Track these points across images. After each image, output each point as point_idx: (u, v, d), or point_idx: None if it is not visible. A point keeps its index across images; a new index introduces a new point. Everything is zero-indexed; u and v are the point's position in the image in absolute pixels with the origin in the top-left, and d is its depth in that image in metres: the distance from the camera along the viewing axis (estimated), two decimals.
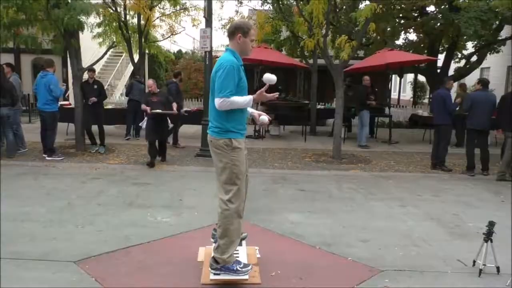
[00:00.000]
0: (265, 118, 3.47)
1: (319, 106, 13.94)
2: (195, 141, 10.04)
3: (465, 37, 12.44)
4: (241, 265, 3.28)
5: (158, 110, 7.43)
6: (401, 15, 13.75)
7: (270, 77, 3.24)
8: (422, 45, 14.47)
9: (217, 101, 3.09)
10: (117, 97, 17.44)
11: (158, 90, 7.76)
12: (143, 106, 7.58)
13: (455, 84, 11.94)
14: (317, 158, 8.70)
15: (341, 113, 8.64)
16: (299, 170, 7.64)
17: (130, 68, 17.08)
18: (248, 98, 3.15)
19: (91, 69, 8.67)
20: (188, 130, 12.44)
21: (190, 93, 20.40)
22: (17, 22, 8.16)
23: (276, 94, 3.36)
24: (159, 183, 6.52)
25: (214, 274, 3.26)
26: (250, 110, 3.47)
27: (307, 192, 6.19)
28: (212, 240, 3.61)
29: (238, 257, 3.39)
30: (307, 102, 13.01)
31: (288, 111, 11.83)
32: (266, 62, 11.45)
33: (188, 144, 9.97)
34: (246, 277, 3.24)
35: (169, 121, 7.90)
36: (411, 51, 13.68)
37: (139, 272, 3.52)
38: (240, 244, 3.52)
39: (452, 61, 14.91)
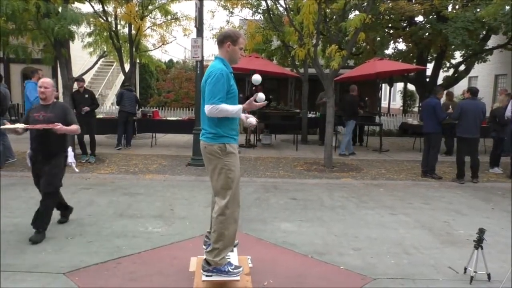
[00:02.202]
0: (252, 120, 3.52)
1: (310, 115, 14.01)
2: (187, 150, 10.02)
3: (453, 47, 12.65)
4: (233, 267, 3.29)
5: (17, 125, 4.37)
6: (390, 25, 13.95)
7: (256, 78, 3.52)
8: (411, 55, 14.68)
9: (207, 107, 3.13)
10: (107, 107, 17.37)
11: (55, 100, 4.64)
12: (16, 126, 4.35)
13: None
14: (309, 166, 8.71)
15: (332, 122, 8.69)
16: (291, 178, 7.64)
17: (121, 77, 17.06)
18: (238, 107, 3.19)
19: (80, 79, 8.63)
20: (180, 139, 12.43)
21: (182, 102, 20.39)
22: (6, 32, 8.12)
23: (264, 103, 3.45)
24: (150, 193, 6.47)
25: (206, 276, 3.27)
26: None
27: (299, 201, 6.19)
28: (204, 247, 3.59)
29: (229, 259, 3.39)
30: (298, 111, 13.08)
31: (280, 120, 11.87)
32: (258, 71, 11.51)
33: (180, 153, 9.94)
34: (238, 278, 3.25)
35: (69, 154, 4.62)
36: (400, 60, 13.86)
37: (130, 284, 3.48)
38: (231, 251, 3.51)
39: (441, 70, 15.13)
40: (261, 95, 3.49)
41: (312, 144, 12.36)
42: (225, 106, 3.12)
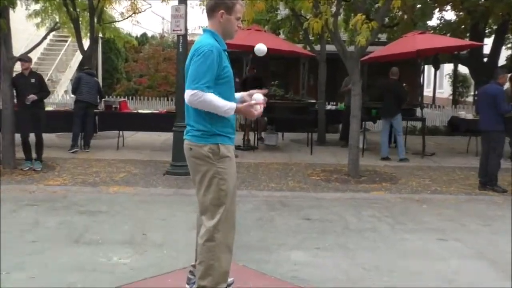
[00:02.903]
0: (260, 96, 3.38)
1: (329, 107, 13.97)
2: (165, 154, 10.00)
3: None
4: None
5: None
6: None
7: (260, 48, 3.46)
8: (462, 27, 14.65)
9: (188, 94, 3.11)
10: (59, 96, 17.37)
11: None
12: None
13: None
14: (328, 175, 8.70)
15: (359, 116, 8.67)
16: (304, 192, 7.63)
17: (78, 57, 17.06)
18: (229, 105, 3.15)
19: (24, 59, 8.59)
20: (156, 138, 12.40)
21: (158, 90, 20.34)
22: None
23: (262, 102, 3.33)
24: (115, 211, 6.45)
25: None
26: (237, 95, 3.52)
27: (314, 222, 6.16)
28: (187, 286, 3.58)
29: None
30: (313, 101, 13.04)
31: (289, 114, 11.82)
32: None
33: (155, 158, 9.91)
34: None
35: None
36: (448, 35, 13.82)
37: None
38: None
39: (503, 47, 15.10)
40: (257, 96, 3.38)
41: (332, 145, 12.36)
42: (212, 97, 3.09)
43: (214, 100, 3.09)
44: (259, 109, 3.26)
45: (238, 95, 3.53)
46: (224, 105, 3.12)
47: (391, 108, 10.31)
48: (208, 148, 3.20)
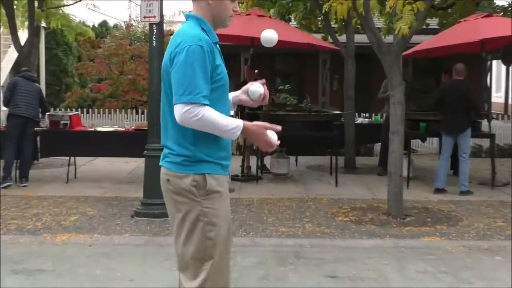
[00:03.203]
0: (259, 88, 3.45)
1: (360, 120, 13.97)
2: (133, 188, 10.03)
3: None
4: None
5: None
6: None
7: (268, 35, 3.57)
8: None
9: (179, 110, 3.06)
10: None
11: None
12: None
13: None
14: (360, 215, 8.70)
15: (401, 131, 8.64)
16: (327, 238, 7.63)
17: (13, 55, 17.17)
18: (236, 122, 3.14)
19: None
20: (121, 167, 12.40)
21: (123, 100, 20.37)
22: None
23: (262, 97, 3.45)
24: (63, 269, 6.40)
25: None
26: (231, 96, 3.58)
27: (342, 280, 6.12)
28: None
29: None
30: (338, 112, 13.04)
31: (304, 130, 11.82)
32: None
33: (120, 194, 9.93)
34: None
35: None
36: None
37: None
38: None
39: None
40: (255, 88, 3.45)
41: (365, 173, 12.41)
42: (213, 114, 3.06)
43: (216, 118, 3.06)
44: (274, 140, 3.29)
45: (230, 96, 3.55)
46: (228, 124, 3.09)
47: (460, 121, 10.11)
48: (191, 180, 3.16)
